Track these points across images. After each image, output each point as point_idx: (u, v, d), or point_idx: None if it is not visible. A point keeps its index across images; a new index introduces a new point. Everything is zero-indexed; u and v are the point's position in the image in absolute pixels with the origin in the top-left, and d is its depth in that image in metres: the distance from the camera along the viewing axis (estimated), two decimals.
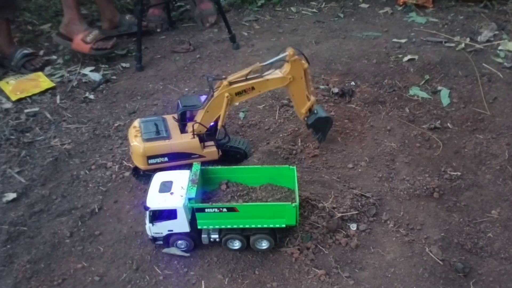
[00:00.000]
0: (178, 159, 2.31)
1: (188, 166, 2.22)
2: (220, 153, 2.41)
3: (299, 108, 2.48)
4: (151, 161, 2.29)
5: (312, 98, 2.48)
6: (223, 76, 2.32)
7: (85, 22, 3.52)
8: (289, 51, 2.24)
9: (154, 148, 2.27)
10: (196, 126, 2.29)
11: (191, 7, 4.23)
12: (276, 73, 2.31)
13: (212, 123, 2.35)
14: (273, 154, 2.60)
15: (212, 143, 2.37)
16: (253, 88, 2.28)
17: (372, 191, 2.42)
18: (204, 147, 2.35)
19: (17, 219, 2.35)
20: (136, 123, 2.41)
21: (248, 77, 2.27)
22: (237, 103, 2.47)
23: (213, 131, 2.38)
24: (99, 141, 2.86)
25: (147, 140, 2.27)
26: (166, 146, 2.27)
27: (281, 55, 2.30)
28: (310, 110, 2.51)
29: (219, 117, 2.31)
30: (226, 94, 2.23)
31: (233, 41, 3.77)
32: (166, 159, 2.30)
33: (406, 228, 2.25)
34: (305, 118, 2.53)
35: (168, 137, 2.29)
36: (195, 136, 2.30)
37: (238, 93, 2.27)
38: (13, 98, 3.16)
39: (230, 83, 2.24)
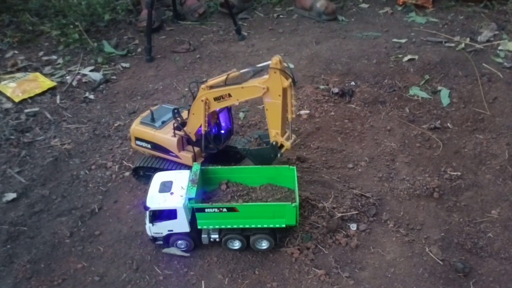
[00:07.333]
0: (159, 151, 2.37)
1: (188, 166, 2.22)
2: (195, 161, 2.30)
3: (270, 128, 2.14)
4: (138, 142, 2.43)
5: (288, 143, 2.14)
6: (204, 79, 2.28)
7: None
8: (274, 59, 1.93)
9: (141, 132, 2.39)
10: (176, 125, 2.28)
11: (178, 7, 4.26)
12: (253, 82, 2.06)
13: (212, 130, 2.30)
14: None
15: (190, 148, 2.33)
16: (229, 95, 2.12)
17: (372, 191, 2.42)
18: (182, 149, 2.34)
19: (17, 219, 2.35)
20: (158, 106, 2.55)
21: (227, 83, 2.11)
22: (217, 109, 2.25)
23: (201, 140, 2.27)
24: (99, 141, 2.86)
25: (141, 123, 2.40)
26: (150, 134, 2.35)
27: (265, 63, 2.00)
28: (275, 143, 2.16)
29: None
30: (203, 98, 2.14)
31: (239, 33, 3.87)
32: (149, 146, 2.39)
33: (406, 228, 2.25)
34: (274, 142, 2.16)
35: (157, 127, 2.35)
36: (175, 135, 2.30)
37: (217, 99, 2.14)
38: (17, 100, 3.16)
39: (210, 87, 2.14)
